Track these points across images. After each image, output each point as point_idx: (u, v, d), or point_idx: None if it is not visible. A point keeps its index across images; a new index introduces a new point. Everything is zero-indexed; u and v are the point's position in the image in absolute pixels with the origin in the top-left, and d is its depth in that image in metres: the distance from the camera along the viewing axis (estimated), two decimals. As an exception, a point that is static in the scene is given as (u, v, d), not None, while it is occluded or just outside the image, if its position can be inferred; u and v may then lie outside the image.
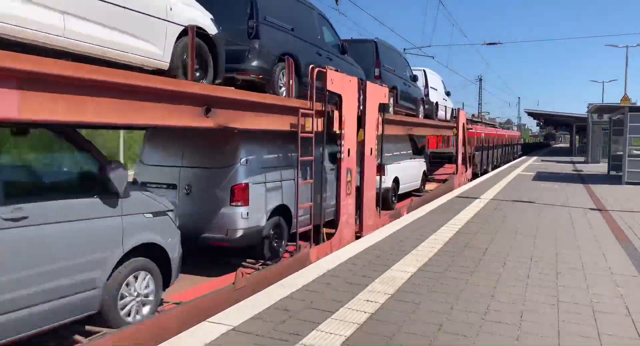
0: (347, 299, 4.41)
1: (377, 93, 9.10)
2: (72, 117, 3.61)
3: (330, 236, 7.55)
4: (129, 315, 4.43)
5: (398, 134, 12.10)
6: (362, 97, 8.52)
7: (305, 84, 7.17)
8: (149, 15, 4.43)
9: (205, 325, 3.79)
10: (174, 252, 4.92)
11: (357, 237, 7.98)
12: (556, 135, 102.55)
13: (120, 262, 4.30)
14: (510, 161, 31.91)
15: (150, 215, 4.68)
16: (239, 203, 6.36)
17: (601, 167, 23.13)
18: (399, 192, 12.59)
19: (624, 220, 8.98)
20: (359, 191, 8.57)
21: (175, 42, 4.87)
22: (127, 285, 4.39)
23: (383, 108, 9.49)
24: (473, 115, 76.01)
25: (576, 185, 15.58)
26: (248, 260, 6.73)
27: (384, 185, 10.27)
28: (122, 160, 23.31)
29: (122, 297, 4.35)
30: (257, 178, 6.64)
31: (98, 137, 29.26)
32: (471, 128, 21.26)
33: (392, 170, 11.89)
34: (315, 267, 5.46)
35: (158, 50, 4.67)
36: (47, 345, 4.16)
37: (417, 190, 14.32)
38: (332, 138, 7.79)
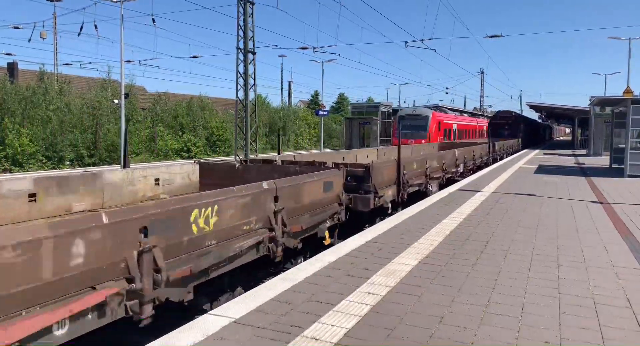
0: (349, 292, 4.42)
1: None
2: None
3: None
4: None
5: None
6: None
7: None
8: None
9: (206, 317, 3.80)
10: None
11: None
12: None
13: None
14: (511, 154, 31.85)
15: None
16: None
17: (603, 160, 23.09)
18: None
19: (626, 212, 8.97)
20: None
21: None
22: None
23: None
24: (475, 108, 75.95)
25: (578, 178, 15.55)
26: None
27: None
28: (122, 153, 23.28)
29: None
30: None
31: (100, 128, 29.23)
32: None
33: None
34: (317, 260, 5.47)
35: None
36: None
37: None
38: None
